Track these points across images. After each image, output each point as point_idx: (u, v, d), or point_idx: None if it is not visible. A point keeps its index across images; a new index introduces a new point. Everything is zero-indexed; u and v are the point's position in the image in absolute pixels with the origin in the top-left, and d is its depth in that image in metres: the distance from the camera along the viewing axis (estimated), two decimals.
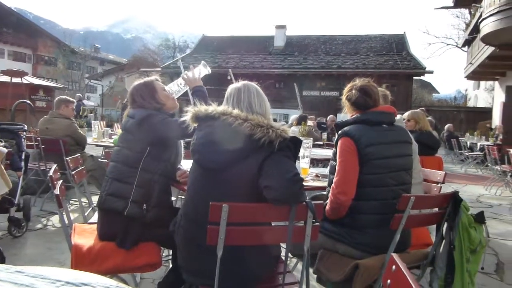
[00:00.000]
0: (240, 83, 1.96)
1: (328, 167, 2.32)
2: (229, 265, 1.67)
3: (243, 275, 1.75)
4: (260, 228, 1.67)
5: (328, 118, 10.18)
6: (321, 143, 7.56)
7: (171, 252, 2.66)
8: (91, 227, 2.43)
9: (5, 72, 11.65)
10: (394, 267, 0.89)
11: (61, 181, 2.26)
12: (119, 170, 2.22)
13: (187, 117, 1.88)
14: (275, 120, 11.14)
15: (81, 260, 2.08)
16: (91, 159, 5.27)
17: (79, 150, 5.34)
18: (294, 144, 1.76)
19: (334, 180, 2.08)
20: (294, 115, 8.77)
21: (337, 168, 2.08)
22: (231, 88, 1.96)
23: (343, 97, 2.33)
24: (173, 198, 3.15)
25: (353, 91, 2.25)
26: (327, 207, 2.14)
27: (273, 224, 1.82)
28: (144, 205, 2.15)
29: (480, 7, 12.26)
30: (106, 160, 4.56)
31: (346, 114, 2.35)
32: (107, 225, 2.21)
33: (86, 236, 2.32)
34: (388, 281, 0.90)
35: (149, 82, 2.45)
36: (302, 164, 2.77)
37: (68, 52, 38.47)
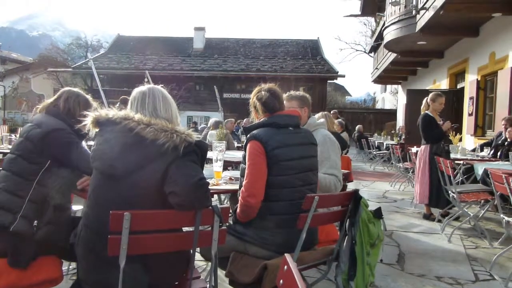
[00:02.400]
0: (145, 87, 1.90)
1: (240, 170, 2.34)
2: (134, 275, 1.61)
3: (150, 284, 1.69)
4: (164, 235, 1.62)
5: (245, 121, 10.34)
6: (240, 145, 7.64)
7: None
8: None
9: None
10: (286, 267, 0.91)
11: None
12: (11, 180, 2.01)
13: (87, 121, 1.78)
14: (195, 123, 11.11)
15: None
16: None
17: None
18: (200, 148, 1.74)
19: (244, 183, 2.11)
20: (214, 118, 8.75)
21: (246, 171, 2.11)
22: (135, 91, 1.89)
23: (252, 98, 2.36)
24: (79, 207, 2.97)
25: (263, 92, 2.30)
26: (238, 210, 2.16)
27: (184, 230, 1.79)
28: (35, 221, 1.96)
29: (383, 16, 13.29)
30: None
31: (253, 118, 2.41)
32: None
33: None
34: (281, 281, 0.92)
35: (85, 97, 2.32)
36: (215, 167, 2.76)
37: None
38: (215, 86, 21.34)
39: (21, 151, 2.06)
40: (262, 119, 2.26)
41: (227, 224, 2.03)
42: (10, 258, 1.93)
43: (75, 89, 2.34)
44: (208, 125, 8.20)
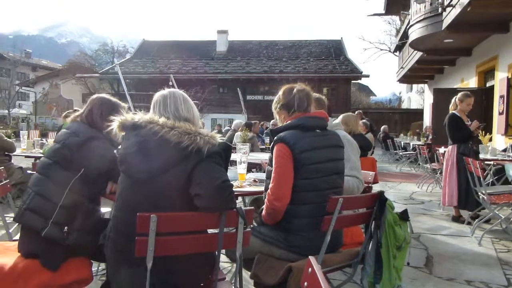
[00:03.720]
0: (166, 90, 1.94)
1: (265, 172, 2.34)
2: (161, 276, 1.64)
3: (176, 285, 1.72)
4: (190, 236, 1.65)
5: (271, 122, 10.28)
6: (264, 147, 7.65)
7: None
8: (15, 244, 2.27)
9: None
10: (310, 269, 0.92)
11: None
12: (45, 185, 2.07)
13: (113, 125, 1.82)
14: (219, 125, 11.23)
15: (2, 280, 1.93)
16: (20, 171, 4.96)
17: (6, 160, 5.00)
18: (224, 150, 1.76)
19: (270, 186, 2.10)
20: (237, 120, 8.79)
21: (272, 174, 2.10)
22: (157, 95, 1.93)
23: (280, 98, 2.31)
24: (107, 209, 3.04)
25: (291, 92, 2.26)
26: (263, 212, 2.16)
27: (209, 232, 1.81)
28: (66, 227, 2.02)
29: (408, 14, 13.06)
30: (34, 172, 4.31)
31: (279, 119, 2.36)
32: (27, 243, 2.06)
33: (9, 254, 2.16)
34: (305, 283, 0.93)
35: (116, 104, 2.36)
36: (239, 169, 2.78)
37: None
38: (238, 89, 21.50)
39: (58, 157, 2.12)
40: (289, 121, 2.21)
41: (251, 226, 2.04)
42: (42, 260, 2.00)
43: (105, 96, 2.39)
44: (232, 127, 8.23)
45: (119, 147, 1.98)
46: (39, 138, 6.01)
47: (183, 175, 1.66)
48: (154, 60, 29.08)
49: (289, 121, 2.22)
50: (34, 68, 46.84)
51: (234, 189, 2.44)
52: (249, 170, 3.42)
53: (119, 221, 1.77)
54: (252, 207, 1.78)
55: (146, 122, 1.74)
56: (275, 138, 2.15)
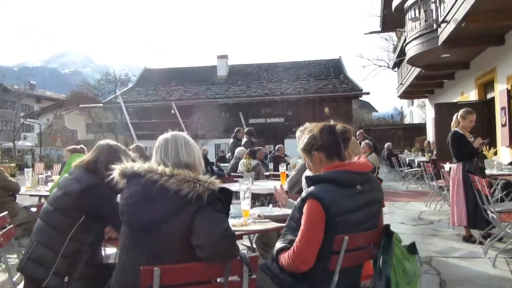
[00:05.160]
0: (169, 134, 1.94)
1: (287, 221, 2.09)
2: None
3: None
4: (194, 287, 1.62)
5: (277, 148, 10.26)
6: (268, 173, 7.59)
7: None
8: None
9: None
10: None
11: None
12: (47, 234, 2.08)
13: (114, 173, 1.82)
14: (222, 151, 11.20)
15: None
16: (24, 211, 4.94)
17: (11, 201, 5.00)
18: (224, 195, 1.75)
19: (296, 244, 1.90)
20: (240, 148, 8.78)
21: (300, 232, 1.89)
22: (159, 139, 1.93)
23: (317, 137, 2.02)
24: (113, 250, 3.01)
25: (335, 134, 2.00)
26: (283, 261, 1.95)
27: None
28: (66, 277, 2.01)
29: (404, 31, 13.18)
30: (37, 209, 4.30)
31: (309, 162, 2.09)
32: None
33: None
34: None
35: (122, 150, 2.37)
36: (243, 205, 2.75)
37: (0, 90, 36.39)
38: (240, 113, 21.62)
39: (59, 204, 2.14)
40: (327, 170, 1.94)
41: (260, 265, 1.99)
42: None
43: (112, 144, 2.39)
44: (236, 154, 8.20)
45: (120, 194, 1.97)
46: (44, 175, 6.00)
47: (184, 223, 1.65)
48: (156, 88, 29.39)
49: (327, 172, 1.93)
50: (38, 99, 47.43)
51: (238, 228, 2.43)
52: (253, 198, 3.38)
53: (122, 272, 1.75)
54: (257, 254, 1.76)
55: (145, 171, 1.74)
56: (308, 192, 1.88)
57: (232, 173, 7.52)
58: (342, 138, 2.00)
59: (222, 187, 1.76)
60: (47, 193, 5.10)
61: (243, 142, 9.56)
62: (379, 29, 18.82)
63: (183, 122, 20.81)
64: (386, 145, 15.78)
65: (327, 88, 26.40)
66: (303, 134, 2.12)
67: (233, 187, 5.08)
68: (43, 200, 5.72)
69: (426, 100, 20.48)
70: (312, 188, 1.88)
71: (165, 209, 1.67)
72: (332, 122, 2.07)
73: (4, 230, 2.68)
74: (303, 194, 1.91)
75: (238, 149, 8.27)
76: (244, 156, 7.58)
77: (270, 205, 3.04)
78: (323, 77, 28.03)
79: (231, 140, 9.92)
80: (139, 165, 1.78)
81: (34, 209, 5.21)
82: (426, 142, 16.33)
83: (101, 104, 29.86)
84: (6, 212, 3.17)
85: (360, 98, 31.06)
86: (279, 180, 5.80)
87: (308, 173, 3.04)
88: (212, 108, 25.04)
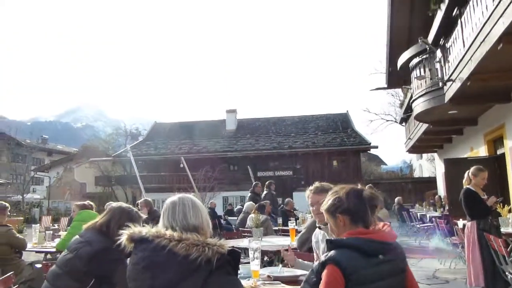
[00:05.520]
0: (176, 196, 1.95)
1: (302, 284, 2.00)
2: None
3: None
4: None
5: (286, 202, 10.16)
6: (277, 228, 7.48)
7: None
8: None
9: None
10: None
11: None
12: None
13: (122, 238, 1.81)
14: (230, 204, 11.08)
15: None
16: (30, 268, 4.86)
17: (17, 258, 4.93)
18: (233, 257, 1.72)
19: None
20: (248, 202, 8.73)
21: None
22: (167, 202, 1.94)
23: (343, 199, 1.94)
24: None
25: (362, 198, 1.91)
26: None
27: None
28: None
29: (410, 88, 13.44)
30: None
31: (332, 223, 2.01)
32: None
33: None
34: None
35: (135, 215, 2.37)
36: (253, 266, 2.70)
37: (13, 145, 37.19)
38: (248, 166, 21.69)
39: (68, 268, 2.11)
40: (350, 236, 1.86)
41: None
42: None
43: (124, 207, 2.41)
44: (244, 209, 8.14)
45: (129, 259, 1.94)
46: (51, 232, 5.97)
47: None
48: (165, 141, 29.82)
49: (350, 238, 1.85)
50: (50, 153, 48.30)
51: None
52: (263, 254, 3.30)
53: None
54: None
55: (154, 236, 1.73)
56: (328, 256, 1.78)
57: (240, 228, 7.43)
58: (369, 204, 1.91)
59: (231, 249, 1.74)
60: (53, 250, 5.06)
61: (263, 195, 9.52)
62: (385, 86, 19.21)
63: (192, 175, 20.87)
64: (396, 199, 15.57)
65: (335, 142, 26.56)
66: (328, 194, 2.05)
67: (241, 243, 5.01)
68: (49, 256, 5.67)
69: (435, 155, 20.43)
70: (333, 252, 1.80)
71: (174, 275, 1.64)
72: (359, 186, 2.01)
73: None
74: (322, 257, 1.83)
75: (246, 204, 8.23)
76: (253, 211, 7.52)
77: (280, 265, 2.97)
78: (331, 130, 28.30)
79: (249, 194, 9.80)
80: (147, 230, 1.77)
81: (39, 265, 5.15)
82: (437, 196, 16.09)
83: (111, 158, 30.22)
84: (12, 272, 3.14)
85: (368, 152, 31.13)
86: (288, 235, 5.70)
87: (318, 232, 3.00)
88: (221, 161, 25.20)
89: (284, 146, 26.76)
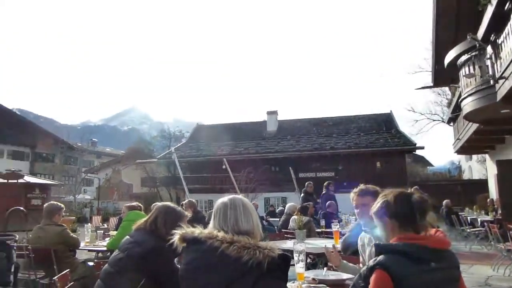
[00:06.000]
0: (227, 198, 1.96)
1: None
2: None
3: None
4: None
5: (328, 204, 10.01)
6: (320, 230, 7.41)
7: None
8: None
9: (1, 175, 11.81)
10: None
11: None
12: None
13: (174, 238, 1.87)
14: (272, 206, 11.04)
15: None
16: (83, 266, 5.11)
17: (71, 256, 5.20)
18: (284, 261, 1.74)
19: None
20: (290, 203, 8.71)
21: None
22: (218, 204, 1.96)
23: (391, 203, 1.89)
24: None
25: (412, 202, 1.86)
26: None
27: None
28: None
29: (458, 87, 12.89)
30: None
31: (381, 227, 1.97)
32: None
33: None
34: None
35: (180, 212, 2.45)
36: (297, 268, 2.70)
37: (65, 148, 39.25)
38: (290, 167, 21.63)
39: (120, 267, 2.20)
40: (399, 241, 1.80)
41: None
42: None
43: (169, 205, 2.49)
44: (286, 210, 8.13)
45: (180, 259, 2.00)
46: (102, 231, 6.25)
47: None
48: (207, 143, 30.35)
49: (399, 243, 1.79)
50: (99, 155, 50.58)
51: None
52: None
53: None
54: None
55: (206, 238, 1.77)
56: (377, 261, 1.73)
57: (282, 230, 7.43)
58: (418, 208, 1.85)
59: (281, 253, 1.75)
60: (104, 249, 5.30)
61: (322, 195, 9.46)
62: (431, 84, 18.53)
63: (234, 176, 21.11)
64: (444, 202, 14.95)
65: (379, 143, 25.94)
66: (378, 197, 2.02)
67: (284, 244, 5.02)
68: (100, 254, 5.93)
69: (487, 156, 19.45)
70: (382, 257, 1.75)
71: (225, 277, 1.67)
72: (409, 190, 1.97)
73: None
74: (371, 262, 1.78)
75: (288, 205, 8.21)
76: (295, 213, 7.50)
77: (325, 268, 2.95)
78: (374, 131, 27.67)
79: (301, 194, 9.75)
80: (199, 231, 1.82)
81: (91, 263, 5.41)
82: (489, 200, 15.31)
83: (156, 159, 31.11)
84: (68, 270, 3.32)
85: (413, 153, 30.12)
86: (332, 238, 5.64)
87: (364, 235, 2.96)
88: (262, 163, 25.29)
89: (325, 147, 26.47)
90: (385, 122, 28.64)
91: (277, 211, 15.49)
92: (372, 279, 1.72)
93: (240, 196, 2.02)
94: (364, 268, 1.83)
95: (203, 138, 31.53)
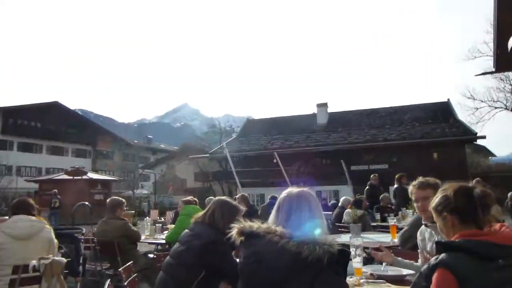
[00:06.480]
0: (294, 192, 1.92)
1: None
2: None
3: None
4: None
5: (381, 197, 9.72)
6: (375, 224, 7.25)
7: None
8: None
9: (67, 172, 12.63)
10: None
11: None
12: (169, 286, 2.22)
13: (232, 231, 1.90)
14: (324, 199, 10.85)
15: None
16: (144, 258, 5.34)
17: (133, 248, 5.46)
18: (343, 257, 1.72)
19: None
20: (344, 196, 8.58)
21: None
22: (282, 199, 1.93)
23: (451, 198, 1.81)
24: None
25: (473, 197, 1.77)
26: None
27: None
28: None
29: None
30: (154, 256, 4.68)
31: (441, 223, 1.88)
32: None
33: None
34: None
35: (235, 206, 2.51)
36: (355, 263, 2.65)
37: (123, 145, 41.26)
38: (342, 160, 21.28)
39: (180, 259, 2.29)
40: (461, 238, 1.71)
41: None
42: None
43: (225, 199, 2.55)
44: (340, 204, 8.03)
45: (237, 252, 2.04)
46: (160, 225, 6.50)
47: (302, 286, 1.64)
48: (258, 137, 30.56)
49: (463, 240, 1.70)
50: (154, 152, 52.64)
51: None
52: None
53: None
54: None
55: (265, 232, 1.78)
56: (439, 259, 1.63)
57: (336, 223, 7.34)
58: (480, 203, 1.75)
59: (341, 248, 1.73)
60: (163, 241, 5.51)
61: (394, 188, 9.19)
62: (493, 69, 17.40)
63: (285, 169, 21.10)
64: (509, 194, 14.02)
65: (435, 133, 24.78)
66: (437, 192, 1.93)
67: (338, 238, 4.96)
68: (159, 247, 6.19)
69: None
70: (444, 255, 1.65)
71: (285, 271, 1.67)
72: (470, 184, 1.88)
73: (130, 279, 2.94)
74: (432, 260, 1.67)
75: (342, 198, 8.09)
76: (349, 206, 7.38)
77: (384, 263, 2.88)
78: (430, 121, 26.44)
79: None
80: (257, 225, 1.83)
81: (151, 255, 5.65)
82: None
83: (208, 155, 31.83)
84: (132, 262, 3.49)
85: (474, 142, 28.51)
86: (388, 232, 5.49)
87: (425, 230, 2.85)
88: (313, 156, 25.08)
89: (378, 139, 25.72)
90: (442, 112, 27.27)
91: (329, 204, 15.31)
92: (434, 278, 1.63)
93: (307, 190, 1.98)
94: (425, 266, 1.75)
95: (254, 132, 31.79)
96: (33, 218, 3.48)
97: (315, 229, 1.82)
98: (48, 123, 41.69)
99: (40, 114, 41.00)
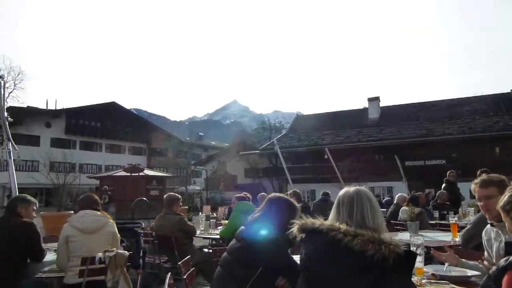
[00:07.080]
0: (352, 190, 1.91)
1: None
2: None
3: None
4: None
5: (438, 194, 9.30)
6: (433, 222, 6.95)
7: None
8: None
9: (125, 169, 13.25)
10: None
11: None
12: (227, 282, 2.26)
13: (293, 228, 1.89)
14: (377, 196, 10.55)
15: None
16: (199, 252, 5.49)
17: (189, 243, 5.63)
18: (409, 259, 1.66)
19: None
20: (400, 193, 8.30)
21: None
22: (343, 195, 1.91)
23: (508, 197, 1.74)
24: None
25: None
26: None
27: None
28: None
29: None
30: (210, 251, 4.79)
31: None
32: None
33: None
34: None
35: (291, 202, 2.50)
36: (416, 263, 2.56)
37: (176, 143, 42.57)
38: (396, 156, 20.57)
39: (238, 256, 2.32)
40: None
41: None
42: None
43: (280, 195, 2.55)
44: (395, 200, 7.78)
45: (294, 249, 2.04)
46: (214, 220, 6.64)
47: (366, 286, 1.61)
48: (308, 133, 30.30)
49: None
50: (205, 148, 53.87)
51: None
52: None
53: None
54: None
55: (328, 229, 1.75)
56: (509, 261, 1.53)
57: (391, 221, 7.12)
58: None
59: (407, 249, 1.67)
60: (217, 236, 5.63)
61: None
62: None
63: (336, 165, 20.77)
64: None
65: (498, 126, 23.31)
66: (507, 190, 1.83)
67: (395, 236, 4.80)
68: (213, 242, 6.33)
69: None
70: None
71: (348, 270, 1.65)
72: None
73: (188, 272, 3.04)
74: (502, 262, 1.57)
75: (398, 195, 7.83)
76: (405, 203, 7.12)
77: (446, 264, 2.75)
78: (492, 113, 24.91)
79: (443, 184, 9.05)
80: (320, 223, 1.80)
81: (206, 250, 5.80)
82: None
83: (258, 151, 32.04)
84: (189, 256, 3.60)
85: None
86: (447, 230, 5.25)
87: (490, 229, 2.69)
88: (365, 151, 24.48)
89: (435, 133, 24.60)
90: (505, 103, 25.58)
91: (383, 201, 14.90)
92: (504, 281, 1.52)
93: (365, 188, 1.96)
94: (494, 268, 1.64)
95: (303, 128, 31.56)
96: (98, 213, 3.70)
97: (379, 227, 1.78)
98: (106, 122, 44.13)
99: (99, 114, 43.50)
